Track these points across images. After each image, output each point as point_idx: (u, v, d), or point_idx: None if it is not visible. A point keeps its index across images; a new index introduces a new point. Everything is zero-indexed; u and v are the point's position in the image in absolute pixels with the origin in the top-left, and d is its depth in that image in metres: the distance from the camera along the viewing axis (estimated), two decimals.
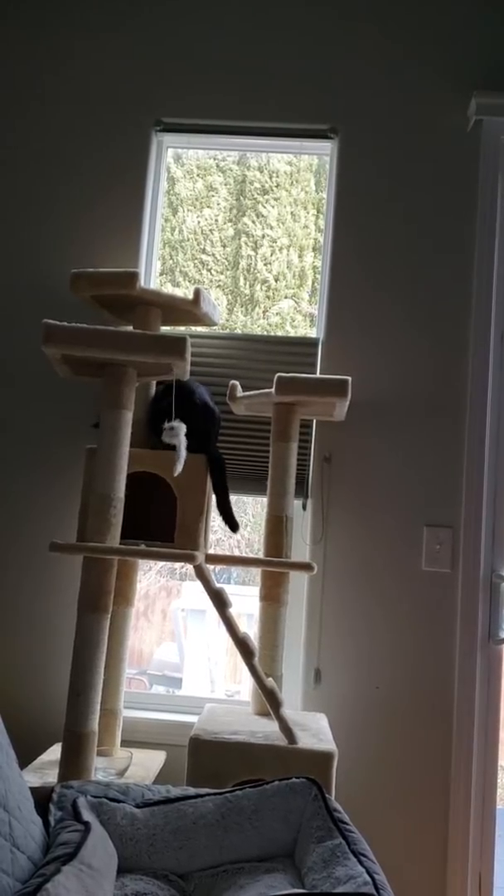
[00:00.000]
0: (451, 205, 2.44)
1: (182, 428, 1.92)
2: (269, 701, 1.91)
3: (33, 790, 1.39)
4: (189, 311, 2.12)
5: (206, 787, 1.59)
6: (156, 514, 1.99)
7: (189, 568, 2.04)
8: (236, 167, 2.68)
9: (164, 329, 2.22)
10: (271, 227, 2.64)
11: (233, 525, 2.10)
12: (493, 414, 2.36)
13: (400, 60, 2.49)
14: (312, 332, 2.56)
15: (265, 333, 2.59)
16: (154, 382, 2.17)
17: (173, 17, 2.57)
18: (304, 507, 2.39)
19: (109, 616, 1.84)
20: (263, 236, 2.63)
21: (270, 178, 2.67)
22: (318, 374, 2.40)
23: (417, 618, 2.31)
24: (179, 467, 1.91)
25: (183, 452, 1.91)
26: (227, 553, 2.63)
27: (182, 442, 1.91)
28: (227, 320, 2.60)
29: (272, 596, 2.14)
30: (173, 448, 1.91)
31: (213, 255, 2.64)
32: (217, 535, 2.73)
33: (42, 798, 1.44)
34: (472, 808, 2.21)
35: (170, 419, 1.94)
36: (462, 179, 2.44)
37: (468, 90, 2.43)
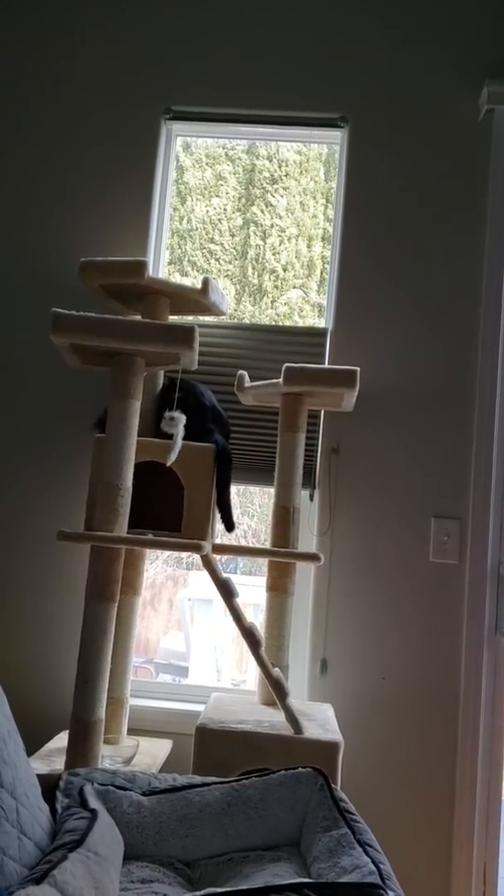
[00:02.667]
0: (461, 194, 2.42)
1: (182, 419, 1.92)
2: (276, 691, 1.92)
3: (40, 777, 1.40)
4: (197, 300, 2.11)
5: (212, 776, 1.60)
6: (163, 504, 1.99)
7: (196, 557, 2.04)
8: (245, 156, 2.67)
9: (172, 319, 2.22)
10: (280, 217, 2.62)
11: (229, 524, 2.06)
12: (502, 405, 2.35)
13: (411, 48, 2.47)
14: (321, 323, 2.55)
15: (273, 323, 2.58)
16: (162, 375, 2.16)
17: (183, 5, 2.55)
18: (312, 498, 2.38)
19: (116, 605, 1.84)
20: (272, 226, 2.62)
21: (279, 167, 2.65)
22: (326, 365, 2.39)
23: (424, 609, 2.31)
24: (173, 457, 1.91)
25: (179, 442, 1.91)
26: (234, 543, 2.63)
27: (180, 432, 1.91)
28: (235, 310, 2.60)
29: (279, 586, 2.14)
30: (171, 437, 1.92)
31: (222, 244, 2.63)
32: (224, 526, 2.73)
33: (49, 785, 1.45)
34: (478, 799, 2.22)
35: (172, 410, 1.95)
36: (473, 168, 2.43)
37: (480, 79, 2.41)
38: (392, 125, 2.46)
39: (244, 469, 2.36)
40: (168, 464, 1.92)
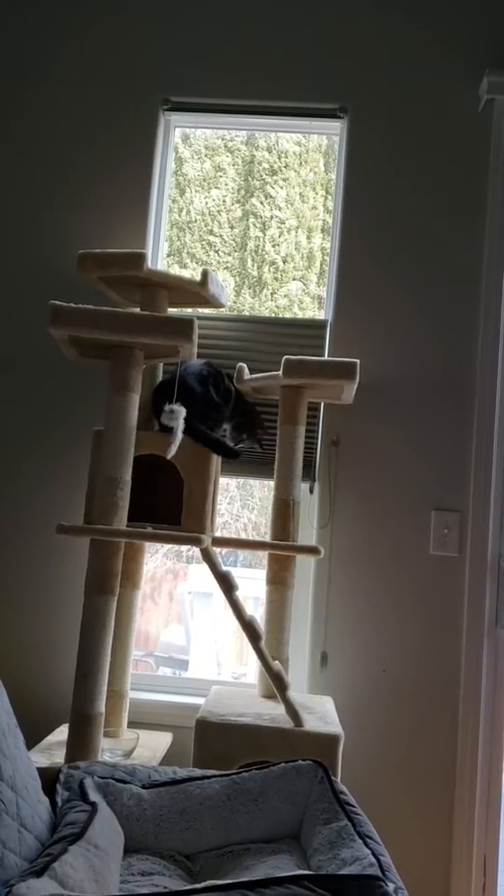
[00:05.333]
0: (461, 184, 2.41)
1: (181, 411, 1.91)
2: (276, 684, 1.92)
3: (41, 770, 1.40)
4: (196, 292, 2.10)
5: (213, 769, 1.60)
6: (163, 497, 1.99)
7: (196, 551, 2.04)
8: (244, 147, 2.65)
9: (172, 311, 2.21)
10: (280, 209, 2.61)
11: (228, 450, 2.04)
12: (503, 397, 2.34)
13: (411, 38, 2.46)
14: (320, 315, 2.54)
15: (273, 315, 2.57)
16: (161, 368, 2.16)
17: None
18: (312, 491, 2.38)
19: (116, 598, 1.84)
20: (272, 217, 2.61)
21: (279, 158, 2.64)
22: (326, 357, 2.38)
23: (424, 602, 2.30)
24: (174, 450, 1.90)
25: (179, 435, 1.90)
26: (234, 536, 2.63)
27: (180, 425, 1.90)
28: (235, 302, 2.59)
29: (279, 579, 2.14)
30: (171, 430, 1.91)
31: (221, 236, 2.62)
32: (224, 519, 2.73)
33: (49, 778, 1.45)
34: (478, 791, 2.22)
35: (170, 401, 1.93)
36: (473, 159, 2.41)
37: (480, 68, 2.39)
38: (392, 116, 2.45)
39: (244, 462, 2.35)
40: (168, 457, 1.91)
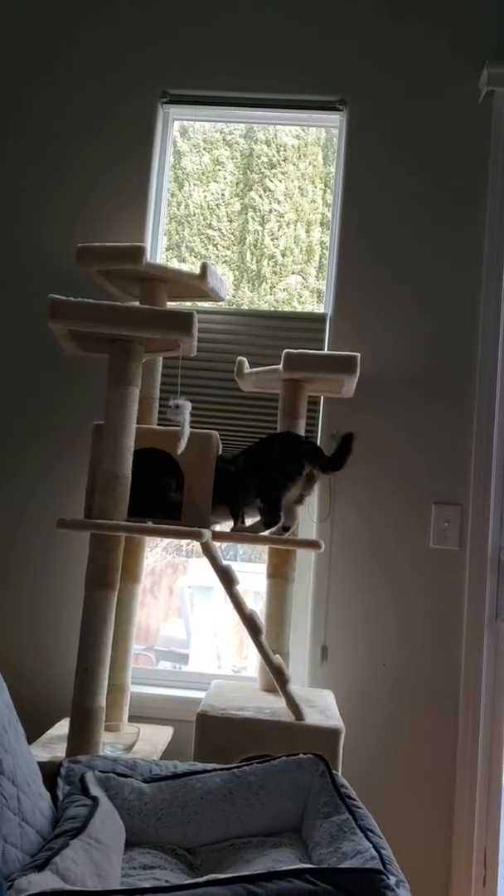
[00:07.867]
0: (461, 177, 2.40)
1: (187, 405, 1.90)
2: (277, 677, 1.92)
3: (41, 765, 1.40)
4: (195, 286, 2.10)
5: (213, 763, 1.60)
6: (163, 491, 1.98)
7: (195, 544, 2.03)
8: (243, 141, 2.64)
9: (170, 304, 2.20)
10: (278, 202, 2.60)
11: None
12: (503, 390, 2.34)
13: (410, 30, 2.44)
14: (320, 308, 2.53)
15: (272, 309, 2.56)
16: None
17: None
18: None
19: (116, 593, 1.83)
20: (270, 211, 2.60)
21: (278, 151, 2.62)
22: (326, 351, 2.38)
23: (424, 595, 2.30)
24: (182, 445, 1.89)
25: (187, 430, 1.89)
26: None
27: (186, 420, 1.89)
28: (234, 296, 2.58)
29: (279, 573, 2.14)
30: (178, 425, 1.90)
31: (220, 230, 2.61)
32: None
33: (50, 773, 1.45)
34: (478, 784, 2.22)
35: (244, 489, 1.99)
36: (473, 151, 2.40)
37: (480, 60, 2.38)
38: (391, 108, 2.44)
39: None
40: (179, 452, 1.90)
